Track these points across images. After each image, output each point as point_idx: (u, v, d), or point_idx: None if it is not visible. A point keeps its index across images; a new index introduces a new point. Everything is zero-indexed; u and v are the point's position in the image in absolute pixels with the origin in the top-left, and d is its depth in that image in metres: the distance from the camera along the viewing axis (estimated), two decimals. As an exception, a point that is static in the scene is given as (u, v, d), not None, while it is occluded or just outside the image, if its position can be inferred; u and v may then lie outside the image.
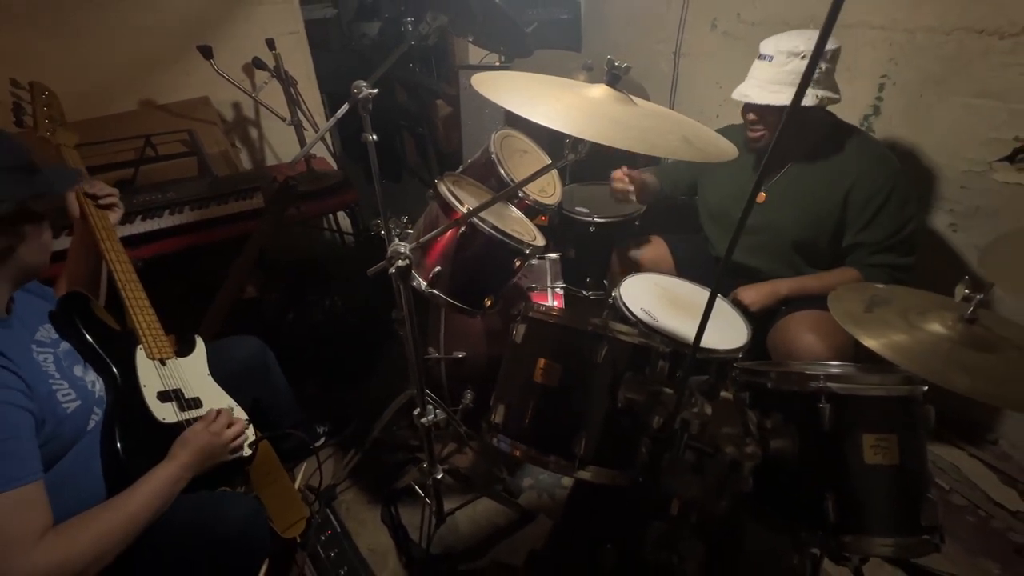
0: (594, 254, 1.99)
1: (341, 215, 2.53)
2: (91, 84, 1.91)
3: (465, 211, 1.17)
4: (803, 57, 1.30)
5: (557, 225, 2.01)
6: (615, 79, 0.81)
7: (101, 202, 1.24)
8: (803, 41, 1.31)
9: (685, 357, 1.16)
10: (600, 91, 0.82)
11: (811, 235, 1.45)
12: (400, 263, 0.89)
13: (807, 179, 1.45)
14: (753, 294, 1.46)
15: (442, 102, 3.02)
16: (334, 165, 2.32)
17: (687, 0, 2.28)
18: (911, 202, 1.38)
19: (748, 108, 1.44)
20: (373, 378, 2.07)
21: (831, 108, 1.41)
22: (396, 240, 0.94)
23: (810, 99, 1.31)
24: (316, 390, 1.96)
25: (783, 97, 1.32)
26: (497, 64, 2.48)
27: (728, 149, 0.78)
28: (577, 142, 0.81)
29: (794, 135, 1.42)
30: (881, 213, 1.36)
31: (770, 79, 1.35)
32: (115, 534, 0.84)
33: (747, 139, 1.48)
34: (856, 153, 1.40)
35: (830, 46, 1.33)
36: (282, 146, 2.39)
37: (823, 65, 1.32)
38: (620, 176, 1.68)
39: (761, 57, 1.38)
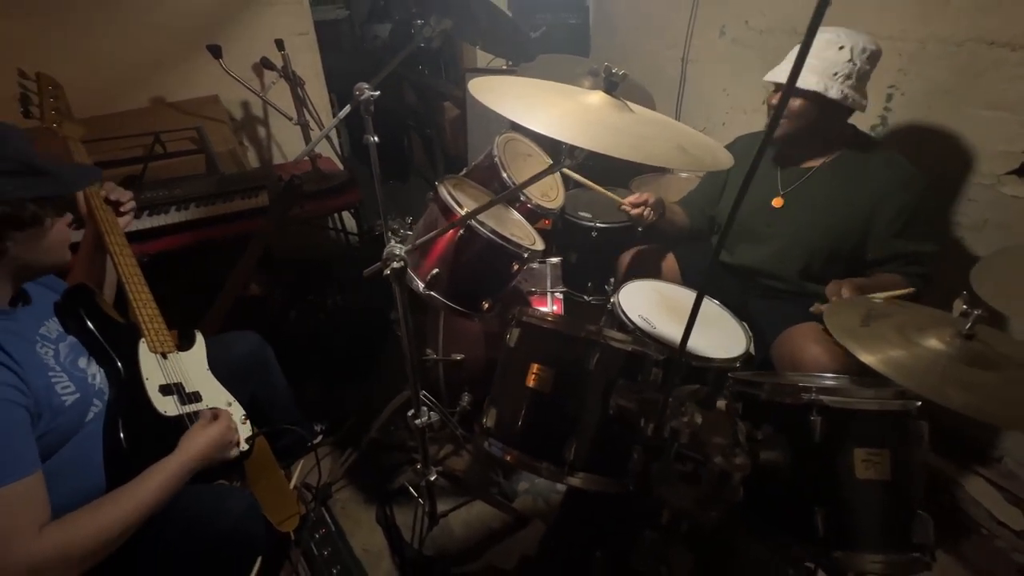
0: (596, 259, 1.98)
1: (347, 215, 2.55)
2: (103, 80, 1.94)
3: (463, 214, 1.18)
4: (841, 48, 1.28)
5: (560, 230, 2.01)
6: (613, 86, 0.81)
7: (122, 209, 1.26)
8: (847, 35, 1.29)
9: (679, 365, 1.16)
10: (598, 98, 0.82)
11: (828, 244, 1.43)
12: (395, 265, 0.90)
13: (827, 188, 1.43)
14: (848, 290, 1.31)
15: (450, 104, 3.03)
16: (339, 165, 2.33)
17: (696, 7, 2.28)
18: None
19: (775, 91, 1.41)
20: (373, 378, 2.08)
21: (852, 120, 1.40)
22: (392, 242, 0.95)
23: (835, 91, 1.29)
24: (316, 389, 1.97)
25: (811, 81, 1.29)
26: (504, 68, 2.49)
27: (724, 159, 0.77)
28: (573, 148, 0.81)
29: (810, 131, 1.39)
30: (916, 224, 1.35)
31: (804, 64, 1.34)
32: (119, 524, 0.85)
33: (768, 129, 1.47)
34: (884, 169, 1.37)
35: (872, 47, 1.30)
36: (289, 145, 2.41)
37: (857, 63, 1.30)
38: (634, 201, 1.60)
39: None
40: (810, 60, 1.30)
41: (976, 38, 1.46)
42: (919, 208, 1.36)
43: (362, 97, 1.12)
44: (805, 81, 1.29)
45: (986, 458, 1.69)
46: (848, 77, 1.30)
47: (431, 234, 0.94)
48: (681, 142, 0.77)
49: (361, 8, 4.43)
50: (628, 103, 0.82)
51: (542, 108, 0.78)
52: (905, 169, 1.37)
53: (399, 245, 0.91)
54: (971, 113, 1.50)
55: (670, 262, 1.74)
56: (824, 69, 1.30)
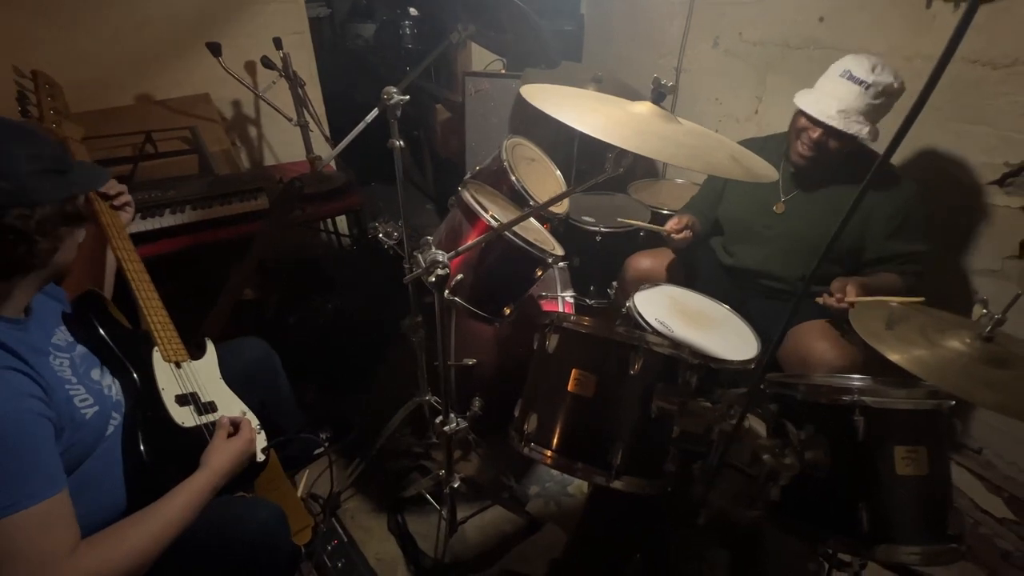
0: (599, 263, 2.01)
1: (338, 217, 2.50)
2: (89, 75, 1.84)
3: (490, 219, 1.18)
4: (867, 88, 1.31)
5: (563, 233, 2.02)
6: (661, 97, 0.83)
7: (115, 203, 1.21)
8: (875, 72, 1.31)
9: (708, 369, 1.19)
10: (645, 108, 0.84)
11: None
12: (440, 272, 0.89)
13: (825, 192, 1.51)
14: (853, 288, 1.31)
15: (441, 107, 3.02)
16: (334, 167, 2.29)
17: (690, 18, 2.34)
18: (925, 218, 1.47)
19: (817, 125, 1.39)
20: (375, 383, 2.04)
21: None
22: (432, 249, 0.94)
23: (855, 128, 1.33)
24: (314, 394, 1.92)
25: (866, 131, 1.33)
26: (502, 72, 2.50)
27: (769, 172, 0.80)
28: (621, 157, 0.82)
29: (826, 158, 1.44)
30: (907, 227, 1.44)
31: (858, 108, 1.33)
32: (151, 545, 0.82)
33: (794, 152, 1.48)
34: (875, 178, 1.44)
35: (896, 83, 1.33)
36: (282, 146, 2.35)
37: (878, 100, 1.34)
38: (676, 227, 1.60)
39: (852, 78, 1.33)
40: (866, 106, 1.33)
41: (960, 57, 1.55)
42: (910, 212, 1.45)
43: (391, 101, 1.12)
44: (860, 131, 1.34)
45: (966, 449, 1.79)
46: (878, 112, 1.36)
47: (472, 243, 0.93)
48: (730, 152, 0.79)
49: (342, 6, 4.37)
50: (675, 115, 0.84)
51: (596, 116, 0.79)
52: (894, 177, 1.46)
53: (442, 252, 0.91)
54: (956, 127, 1.60)
55: (674, 265, 1.79)
56: (870, 113, 1.34)
